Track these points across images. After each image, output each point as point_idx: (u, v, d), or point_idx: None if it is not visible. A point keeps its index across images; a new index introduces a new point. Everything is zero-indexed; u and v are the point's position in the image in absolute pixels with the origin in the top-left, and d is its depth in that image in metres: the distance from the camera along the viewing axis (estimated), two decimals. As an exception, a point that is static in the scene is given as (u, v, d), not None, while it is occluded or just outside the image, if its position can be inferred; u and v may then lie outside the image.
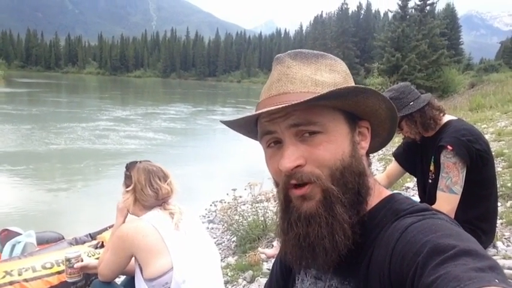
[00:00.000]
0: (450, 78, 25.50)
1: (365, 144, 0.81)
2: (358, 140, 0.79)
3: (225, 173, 9.16)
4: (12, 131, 13.96)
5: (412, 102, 2.34)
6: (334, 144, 0.74)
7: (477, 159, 2.20)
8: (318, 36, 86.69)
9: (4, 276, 2.79)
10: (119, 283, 2.25)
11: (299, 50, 0.83)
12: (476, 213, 2.30)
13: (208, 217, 4.66)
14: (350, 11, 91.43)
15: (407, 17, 27.30)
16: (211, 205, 5.13)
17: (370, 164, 0.84)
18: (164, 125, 18.16)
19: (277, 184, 0.80)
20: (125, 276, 2.31)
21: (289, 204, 0.77)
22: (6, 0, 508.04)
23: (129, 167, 2.13)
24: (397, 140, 2.66)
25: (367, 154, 0.84)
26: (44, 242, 3.97)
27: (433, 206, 2.25)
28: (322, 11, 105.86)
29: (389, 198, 0.80)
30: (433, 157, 2.38)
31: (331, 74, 0.79)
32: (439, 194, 2.25)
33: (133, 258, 1.94)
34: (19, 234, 3.83)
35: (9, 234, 3.80)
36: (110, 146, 12.31)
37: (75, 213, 6.72)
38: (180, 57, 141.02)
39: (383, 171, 2.99)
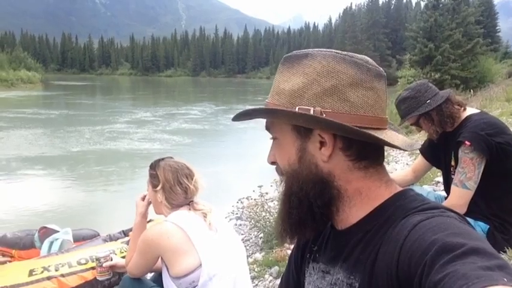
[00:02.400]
0: (486, 67, 24.54)
1: (326, 151, 0.79)
2: (314, 148, 0.80)
3: (251, 170, 9.18)
4: (48, 134, 14.52)
5: (429, 100, 2.33)
6: (283, 150, 0.85)
7: (498, 152, 2.16)
8: (348, 28, 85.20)
9: (42, 272, 2.94)
10: (148, 278, 2.32)
11: (294, 52, 0.84)
12: (501, 206, 2.27)
13: (236, 214, 4.72)
14: (380, 2, 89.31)
15: (440, 5, 26.41)
16: (237, 202, 5.18)
17: (358, 168, 0.80)
18: (193, 124, 18.41)
19: None
20: (153, 273, 2.37)
21: None
22: (41, 6, 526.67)
23: (154, 165, 2.09)
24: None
25: (362, 158, 0.80)
26: (80, 239, 4.12)
27: (446, 200, 2.26)
28: (351, 3, 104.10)
29: (400, 194, 0.81)
30: (453, 152, 2.36)
31: (298, 79, 0.79)
32: (452, 187, 2.27)
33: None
34: (56, 231, 3.99)
35: (47, 232, 3.97)
36: (143, 146, 12.59)
37: (110, 211, 6.96)
38: (210, 56, 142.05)
39: (413, 165, 2.99)
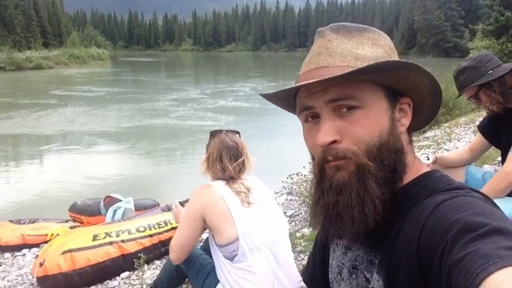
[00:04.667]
0: None
1: (405, 121, 0.80)
2: (398, 117, 0.78)
3: (303, 147, 9.12)
4: (116, 110, 15.29)
5: (491, 71, 2.18)
6: (373, 121, 0.73)
7: None
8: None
9: (105, 237, 3.21)
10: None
11: (342, 23, 0.81)
12: None
13: (288, 189, 4.78)
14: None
15: (522, -32, 24.07)
16: (287, 178, 5.19)
17: (410, 141, 0.83)
18: (250, 100, 18.47)
19: (313, 158, 0.82)
20: (202, 243, 2.48)
21: (323, 175, 0.77)
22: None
23: (212, 135, 2.17)
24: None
25: (409, 131, 0.83)
26: (141, 208, 4.40)
27: (504, 166, 2.10)
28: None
29: (426, 175, 0.80)
30: None
31: (373, 48, 0.77)
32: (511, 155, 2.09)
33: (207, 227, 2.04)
34: (119, 200, 4.29)
35: (112, 201, 4.29)
36: (207, 123, 12.84)
37: (170, 182, 7.31)
38: (270, 30, 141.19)
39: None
